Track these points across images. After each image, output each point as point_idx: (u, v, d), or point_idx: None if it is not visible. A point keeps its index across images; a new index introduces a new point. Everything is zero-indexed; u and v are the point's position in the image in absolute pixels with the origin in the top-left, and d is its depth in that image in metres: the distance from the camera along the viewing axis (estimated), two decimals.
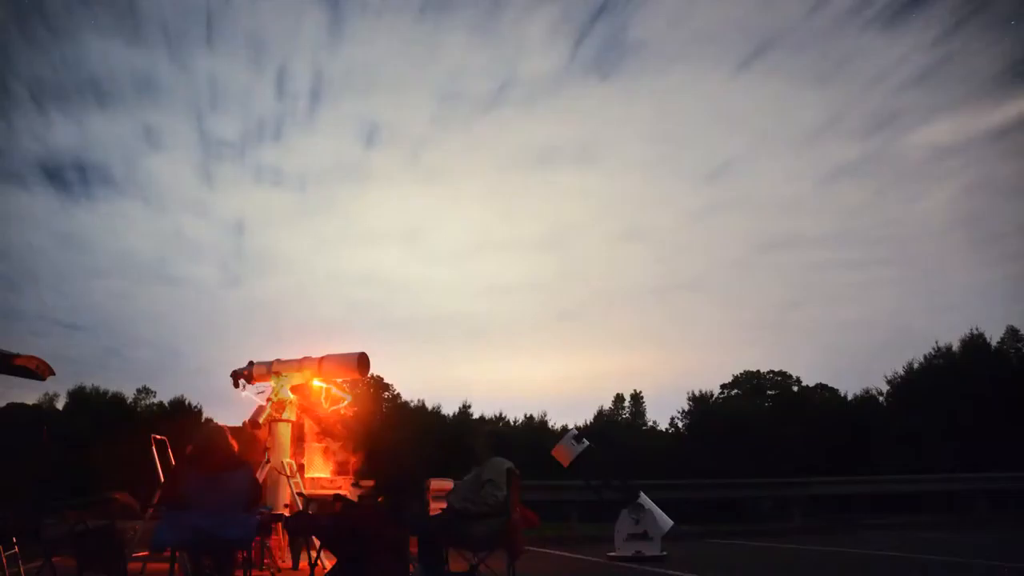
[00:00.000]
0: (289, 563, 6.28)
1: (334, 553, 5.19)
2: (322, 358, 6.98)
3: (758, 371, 37.04)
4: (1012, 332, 26.23)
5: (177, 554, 4.50)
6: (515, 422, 33.66)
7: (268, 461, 6.52)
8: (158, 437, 6.40)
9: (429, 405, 32.72)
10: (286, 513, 6.17)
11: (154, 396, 34.13)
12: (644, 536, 7.27)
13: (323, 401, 7.23)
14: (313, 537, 5.59)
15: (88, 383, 31.50)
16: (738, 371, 36.95)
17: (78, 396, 30.72)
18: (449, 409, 33.05)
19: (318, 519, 5.48)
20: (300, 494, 6.45)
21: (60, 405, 29.99)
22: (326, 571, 5.02)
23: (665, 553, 7.17)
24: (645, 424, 37.95)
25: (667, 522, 7.41)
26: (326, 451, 7.25)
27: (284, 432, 6.75)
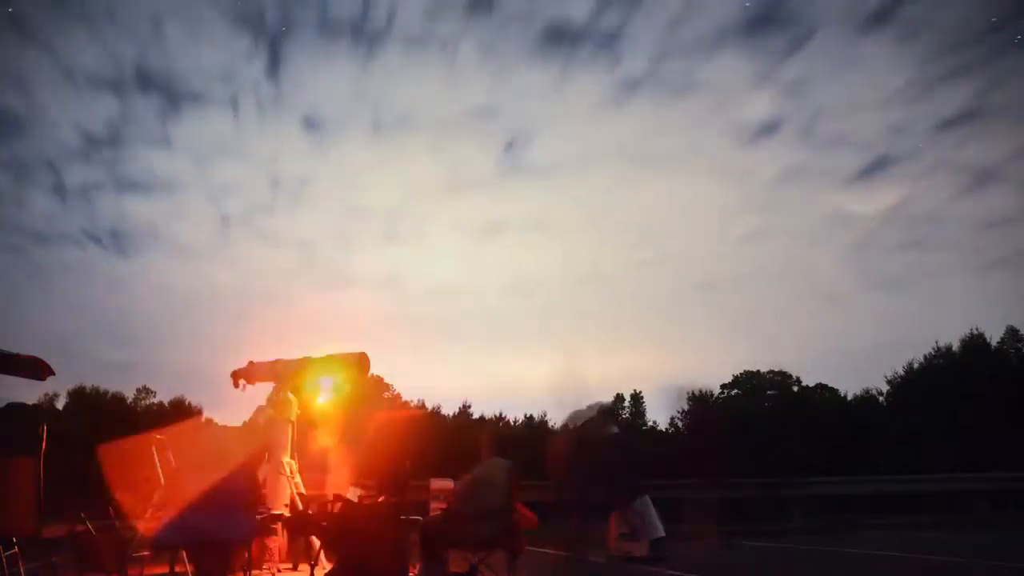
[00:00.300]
0: (289, 563, 6.28)
1: (334, 553, 5.19)
2: (322, 358, 6.98)
3: (758, 371, 37.04)
4: (1012, 332, 26.25)
5: (178, 554, 4.51)
6: (515, 422, 33.64)
7: (268, 461, 6.52)
8: (158, 437, 6.39)
9: (429, 405, 32.73)
10: (286, 513, 6.17)
11: (154, 396, 34.15)
12: (634, 537, 7.29)
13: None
14: (313, 537, 5.60)
15: (88, 383, 31.55)
16: (738, 371, 36.99)
17: (78, 396, 30.73)
18: (449, 409, 33.08)
19: (318, 519, 5.48)
20: (300, 494, 6.45)
21: (60, 405, 30.04)
22: (326, 571, 5.02)
23: (652, 555, 7.18)
24: (645, 424, 37.96)
25: (659, 529, 7.41)
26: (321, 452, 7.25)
27: (284, 432, 6.75)
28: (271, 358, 7.24)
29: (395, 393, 32.62)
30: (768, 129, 36.82)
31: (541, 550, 8.11)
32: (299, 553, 6.17)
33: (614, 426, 7.56)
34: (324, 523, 5.41)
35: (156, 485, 6.04)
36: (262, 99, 34.20)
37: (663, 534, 7.39)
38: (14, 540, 4.53)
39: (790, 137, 35.08)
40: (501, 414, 33.58)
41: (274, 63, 33.65)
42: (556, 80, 32.64)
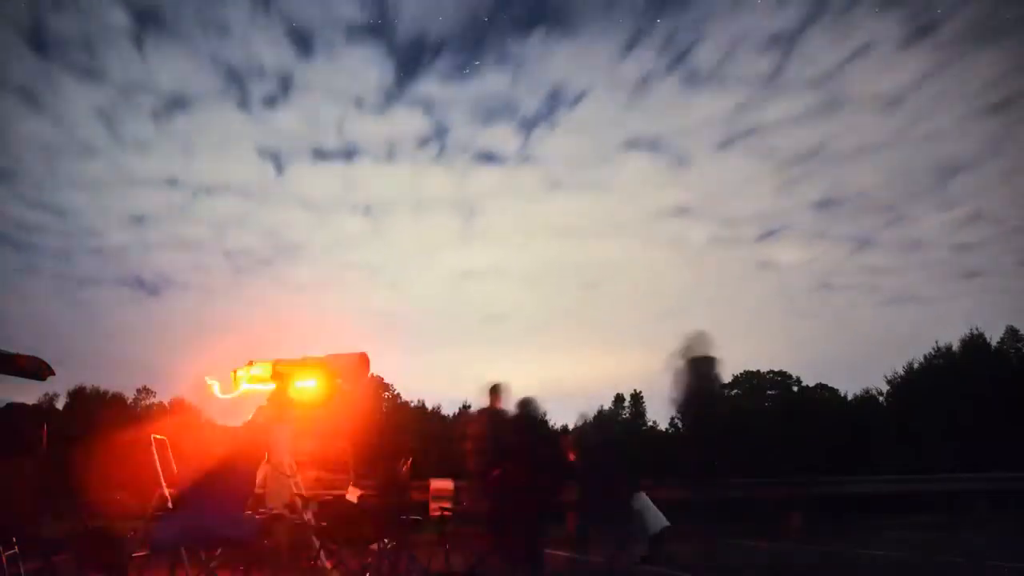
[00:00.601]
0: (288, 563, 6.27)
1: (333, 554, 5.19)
2: (323, 358, 6.97)
3: (758, 371, 37.12)
4: (1012, 332, 26.28)
5: (178, 554, 4.50)
6: None
7: (268, 461, 6.51)
8: (158, 437, 6.38)
9: (429, 405, 32.78)
10: (286, 514, 6.16)
11: (154, 396, 34.20)
12: (634, 537, 7.29)
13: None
14: (312, 537, 5.59)
15: (88, 383, 31.58)
16: (738, 371, 37.03)
17: (78, 396, 30.74)
18: (449, 409, 33.11)
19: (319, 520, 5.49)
20: (300, 495, 6.44)
21: (60, 405, 30.04)
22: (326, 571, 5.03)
23: (652, 548, 7.17)
24: (645, 424, 38.00)
25: (660, 522, 7.39)
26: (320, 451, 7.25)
27: (284, 432, 6.74)
28: (272, 358, 7.23)
29: (395, 393, 32.67)
30: (680, 212, 47.17)
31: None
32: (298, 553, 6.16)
33: (609, 429, 7.57)
34: (323, 523, 5.42)
35: (156, 485, 6.03)
36: (269, 192, 45.41)
37: (667, 523, 7.37)
38: (14, 540, 4.53)
39: (700, 217, 45.86)
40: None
41: (280, 169, 45.56)
42: (496, 181, 44.15)
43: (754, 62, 34.36)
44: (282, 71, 37.26)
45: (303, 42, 35.69)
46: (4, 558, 4.43)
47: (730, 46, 33.82)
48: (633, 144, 39.76)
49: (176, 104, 38.66)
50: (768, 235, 48.19)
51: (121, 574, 4.91)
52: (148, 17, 30.96)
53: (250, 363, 7.26)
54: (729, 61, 35.35)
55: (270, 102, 39.38)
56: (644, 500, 7.51)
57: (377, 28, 32.15)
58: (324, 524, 5.42)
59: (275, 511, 6.04)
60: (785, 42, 33.26)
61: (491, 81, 38.72)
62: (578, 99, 38.14)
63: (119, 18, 31.19)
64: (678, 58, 34.44)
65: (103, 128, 39.20)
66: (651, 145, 40.65)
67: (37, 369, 5.08)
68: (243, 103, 40.43)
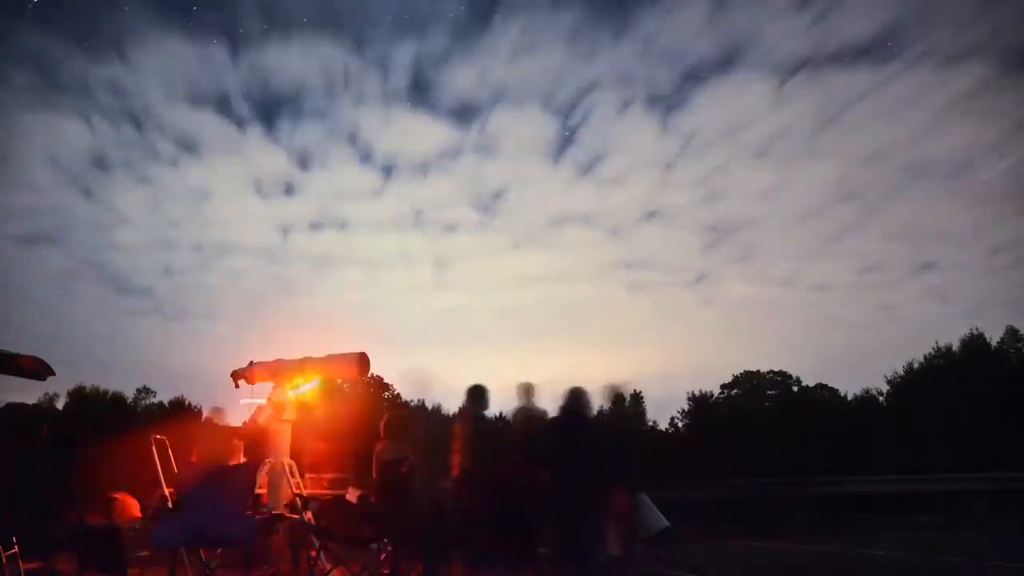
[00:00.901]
0: (288, 563, 6.28)
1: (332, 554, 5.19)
2: (323, 358, 6.98)
3: (758, 371, 37.10)
4: (1012, 332, 26.26)
5: (178, 554, 4.51)
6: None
7: (268, 461, 6.51)
8: (158, 437, 6.39)
9: (429, 405, 32.74)
10: (286, 513, 6.17)
11: (154, 396, 34.21)
12: (633, 535, 7.26)
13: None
14: (312, 537, 5.60)
15: (88, 383, 31.58)
16: (738, 371, 37.02)
17: (78, 396, 30.74)
18: (449, 409, 33.08)
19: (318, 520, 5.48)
20: (299, 495, 6.45)
21: (60, 405, 30.04)
22: (325, 572, 5.03)
23: (647, 554, 7.15)
24: (645, 424, 37.95)
25: (660, 523, 7.36)
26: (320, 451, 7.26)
27: (284, 432, 6.75)
28: (272, 358, 7.24)
29: (395, 393, 32.66)
30: (625, 266, 57.35)
31: (540, 550, 8.10)
32: (298, 553, 6.17)
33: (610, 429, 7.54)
34: (323, 523, 5.42)
35: (156, 485, 6.04)
36: (278, 253, 54.25)
37: (667, 523, 7.33)
38: (14, 540, 4.53)
39: (641, 269, 56.82)
40: (501, 414, 33.54)
41: (287, 236, 54.52)
42: (464, 243, 55.73)
43: (650, 169, 51.37)
44: (289, 175, 52.40)
45: (305, 156, 51.93)
46: (4, 558, 4.43)
47: (630, 160, 50.39)
48: (572, 219, 55.60)
49: (204, 196, 52.86)
50: (698, 279, 60.54)
51: (121, 574, 4.92)
52: (185, 142, 46.47)
53: (250, 363, 7.27)
54: (631, 171, 51.07)
55: (282, 194, 54.84)
56: (644, 500, 7.49)
57: (360, 148, 50.21)
58: (324, 524, 5.42)
59: (275, 511, 6.05)
60: (666, 165, 49.42)
61: (451, 180, 54.46)
62: (519, 191, 53.90)
63: (164, 143, 46.27)
64: (591, 165, 51.29)
65: (145, 210, 51.59)
66: (586, 221, 55.78)
67: (37, 369, 5.09)
68: (259, 193, 54.52)
